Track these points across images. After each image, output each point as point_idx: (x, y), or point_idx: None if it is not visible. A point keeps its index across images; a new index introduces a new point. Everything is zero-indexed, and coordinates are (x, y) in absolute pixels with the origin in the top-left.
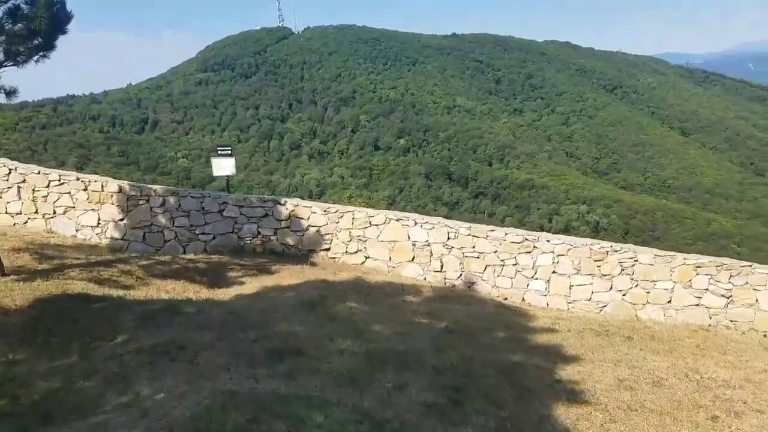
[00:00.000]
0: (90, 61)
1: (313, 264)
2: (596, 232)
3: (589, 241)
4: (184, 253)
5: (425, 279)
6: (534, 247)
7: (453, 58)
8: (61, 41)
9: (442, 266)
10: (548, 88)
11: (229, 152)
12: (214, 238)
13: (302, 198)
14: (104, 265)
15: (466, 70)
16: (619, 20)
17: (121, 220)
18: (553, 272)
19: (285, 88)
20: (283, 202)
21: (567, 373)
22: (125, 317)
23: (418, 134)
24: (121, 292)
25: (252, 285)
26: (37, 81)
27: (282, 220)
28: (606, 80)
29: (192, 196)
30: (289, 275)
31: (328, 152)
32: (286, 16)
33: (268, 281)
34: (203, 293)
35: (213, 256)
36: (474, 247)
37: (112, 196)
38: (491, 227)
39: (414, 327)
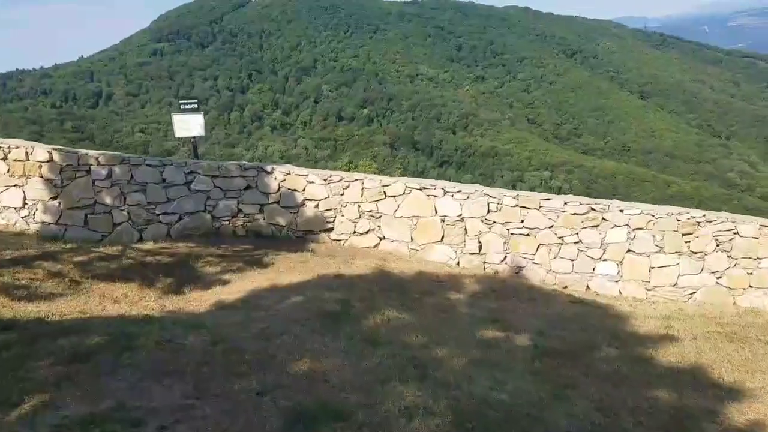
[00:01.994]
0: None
1: (313, 249)
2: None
3: (674, 209)
4: (141, 240)
5: (458, 264)
6: (603, 219)
7: (414, 25)
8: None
9: (480, 247)
10: (509, 54)
11: (196, 106)
12: (180, 219)
13: (294, 165)
14: (23, 264)
15: (428, 36)
16: None
17: (54, 198)
18: (628, 251)
19: (244, 58)
20: (270, 170)
21: (746, 420)
22: (41, 361)
23: (381, 104)
24: (41, 310)
25: (238, 285)
26: None
27: (270, 194)
28: (566, 45)
29: (148, 165)
30: (287, 268)
31: (291, 123)
32: None
33: (259, 278)
34: (168, 303)
35: (179, 244)
36: (523, 221)
37: (40, 167)
38: (545, 195)
39: (491, 348)
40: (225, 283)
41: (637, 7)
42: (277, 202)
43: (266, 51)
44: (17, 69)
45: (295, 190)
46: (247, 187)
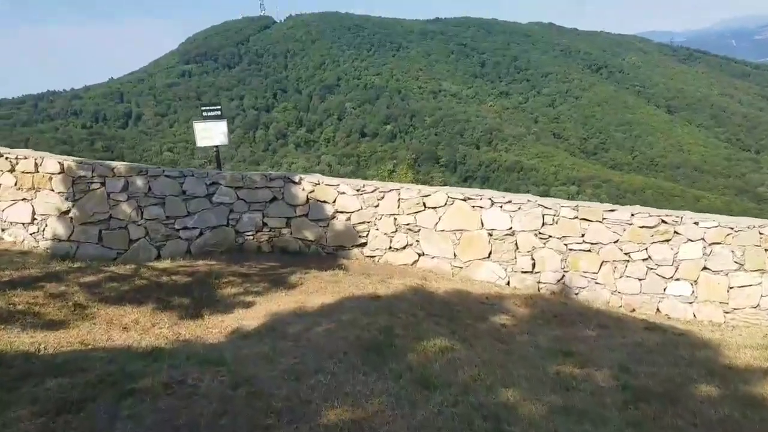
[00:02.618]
0: (70, 55)
1: (345, 267)
2: None
3: (756, 221)
4: (159, 257)
5: (508, 283)
6: (675, 233)
7: (437, 43)
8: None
9: (533, 265)
10: (533, 69)
11: (219, 113)
12: (201, 234)
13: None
14: (23, 286)
15: (451, 53)
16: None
17: (66, 212)
18: (704, 268)
19: (269, 77)
20: (297, 180)
21: None
22: (21, 409)
23: (404, 120)
24: (35, 341)
25: (262, 308)
26: (16, 79)
27: (297, 206)
28: (590, 60)
29: (168, 176)
30: (317, 288)
31: (314, 141)
32: (268, 5)
33: (286, 300)
34: (184, 330)
35: (199, 262)
36: (583, 235)
37: (51, 179)
38: (609, 206)
39: (571, 391)
40: (248, 305)
41: (662, 22)
42: (306, 215)
43: (291, 70)
44: (48, 90)
45: (324, 201)
46: (273, 199)
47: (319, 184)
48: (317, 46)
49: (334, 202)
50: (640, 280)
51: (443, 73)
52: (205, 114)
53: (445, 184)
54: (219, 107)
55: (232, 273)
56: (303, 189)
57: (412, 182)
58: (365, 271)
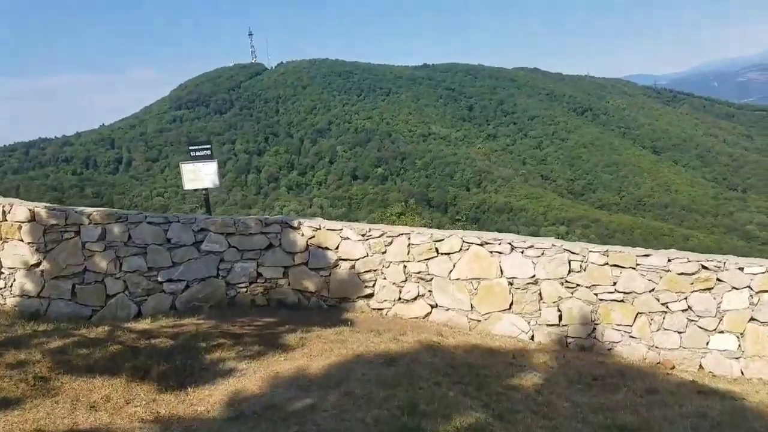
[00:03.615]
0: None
1: (350, 322)
2: None
3: None
4: (139, 314)
5: (533, 338)
6: (717, 280)
7: (426, 87)
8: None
9: (560, 317)
10: (520, 113)
11: (209, 153)
12: (187, 287)
13: (325, 219)
14: None
15: (439, 98)
16: (585, 45)
17: (36, 265)
18: (751, 320)
19: (260, 122)
20: (296, 225)
21: None
22: None
23: (395, 162)
24: None
25: (257, 377)
26: (5, 127)
27: (296, 253)
28: (576, 103)
29: (150, 222)
30: (320, 350)
31: (306, 184)
32: (259, 53)
33: (285, 366)
34: (163, 407)
35: (185, 320)
36: (615, 284)
37: (20, 227)
38: (643, 251)
39: None
40: (241, 373)
41: (646, 66)
42: (305, 264)
43: (282, 115)
44: (39, 138)
45: (326, 248)
46: (269, 246)
47: (320, 228)
48: (308, 91)
49: (337, 248)
50: (679, 333)
51: (432, 116)
52: (193, 154)
53: (437, 227)
54: (209, 146)
55: (222, 333)
56: (302, 234)
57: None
58: (373, 327)
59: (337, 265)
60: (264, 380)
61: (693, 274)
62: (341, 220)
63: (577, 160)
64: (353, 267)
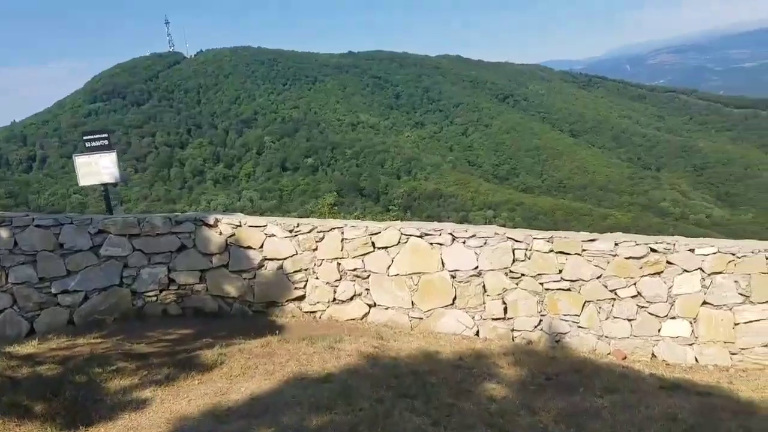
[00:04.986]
0: None
1: (280, 329)
2: None
3: (761, 244)
4: (32, 332)
5: (478, 333)
6: (667, 263)
7: (352, 76)
8: None
9: (506, 310)
10: (445, 100)
11: (106, 142)
12: (86, 298)
13: (246, 214)
14: None
15: (366, 86)
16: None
17: None
18: (704, 303)
19: (181, 113)
20: (212, 222)
21: None
22: None
23: (325, 152)
24: None
25: (163, 410)
26: None
27: (213, 254)
28: (497, 90)
29: (39, 225)
30: (243, 368)
31: (234, 176)
32: (177, 41)
33: (199, 393)
34: None
35: (79, 341)
36: (561, 272)
37: None
38: (588, 235)
39: None
40: (144, 405)
41: (561, 52)
42: (225, 265)
43: (204, 105)
44: None
45: (249, 247)
46: (181, 248)
47: (240, 225)
48: (231, 80)
49: (261, 247)
50: (630, 321)
51: (360, 105)
52: (88, 144)
53: (371, 216)
54: (106, 135)
55: (124, 354)
56: (220, 233)
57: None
58: (306, 334)
59: (263, 266)
60: (171, 414)
61: (641, 257)
62: (273, 213)
63: (501, 146)
64: (281, 267)
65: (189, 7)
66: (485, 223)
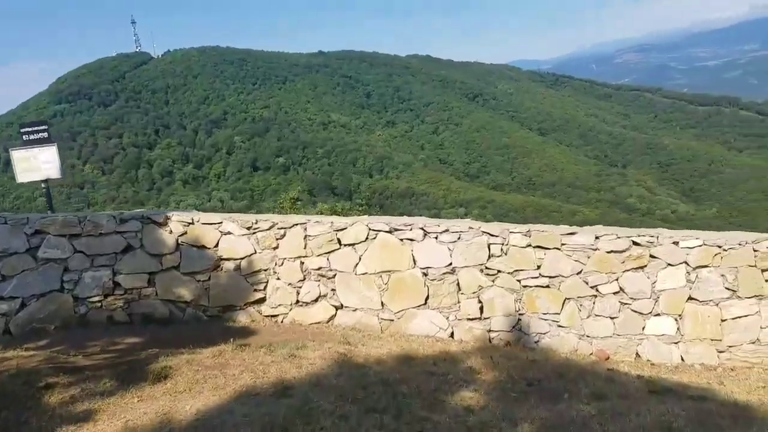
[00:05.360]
0: None
1: (236, 336)
2: None
3: (748, 236)
4: None
5: (452, 335)
6: (651, 257)
7: (322, 75)
8: None
9: (482, 309)
10: (416, 99)
11: (46, 135)
12: (23, 306)
13: (200, 211)
14: None
15: (337, 85)
16: (472, 32)
17: None
18: (689, 299)
19: (149, 114)
20: (161, 220)
21: None
22: None
23: (296, 152)
24: None
25: (103, 430)
26: None
27: (164, 255)
28: (467, 89)
29: None
30: (190, 381)
31: (204, 177)
32: (144, 42)
33: (137, 410)
34: None
35: (8, 353)
36: (539, 267)
37: None
38: (567, 228)
39: None
40: (75, 428)
41: (529, 51)
42: (176, 267)
43: (173, 106)
44: None
45: (202, 246)
46: (128, 248)
47: (192, 223)
48: (200, 80)
49: (217, 246)
50: (612, 318)
51: (331, 104)
52: (26, 138)
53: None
54: (45, 127)
55: (57, 368)
56: (170, 231)
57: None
58: (265, 341)
59: (218, 267)
60: None
61: (624, 251)
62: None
63: (471, 144)
64: (238, 267)
65: (156, 7)
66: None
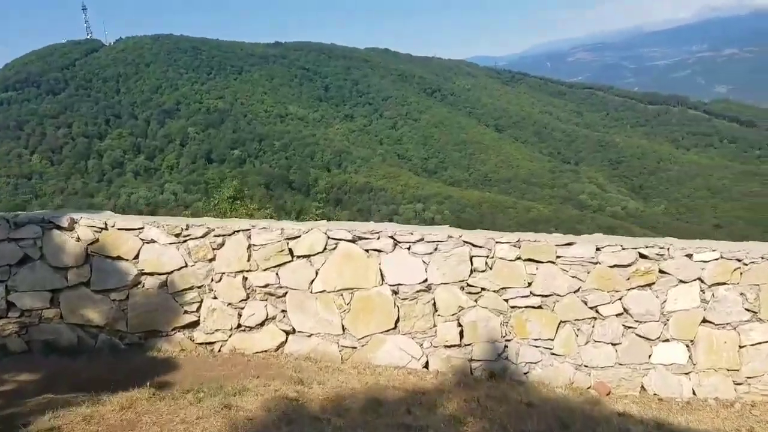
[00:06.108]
0: None
1: (161, 371)
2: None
3: None
4: None
5: (427, 365)
6: (660, 272)
7: (279, 66)
8: None
9: (461, 333)
10: (374, 93)
11: None
12: None
13: (116, 214)
14: None
15: (294, 77)
16: (430, 26)
17: None
18: (704, 322)
19: (99, 103)
20: (66, 224)
21: None
22: None
23: (252, 144)
24: None
25: None
26: None
27: (69, 268)
28: (425, 84)
29: None
30: None
31: (156, 168)
32: (95, 29)
33: None
34: None
35: None
36: (530, 284)
37: None
38: (562, 238)
39: None
40: None
41: (487, 48)
42: (86, 283)
43: (124, 95)
44: None
45: (119, 257)
46: (24, 260)
47: (106, 228)
48: (152, 69)
49: (137, 257)
50: (614, 345)
51: (288, 96)
52: None
53: (300, 210)
54: None
55: None
56: (78, 238)
57: (250, 217)
58: (196, 378)
59: (139, 283)
60: None
61: (629, 265)
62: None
63: (429, 140)
64: (165, 284)
65: None
66: (415, 217)
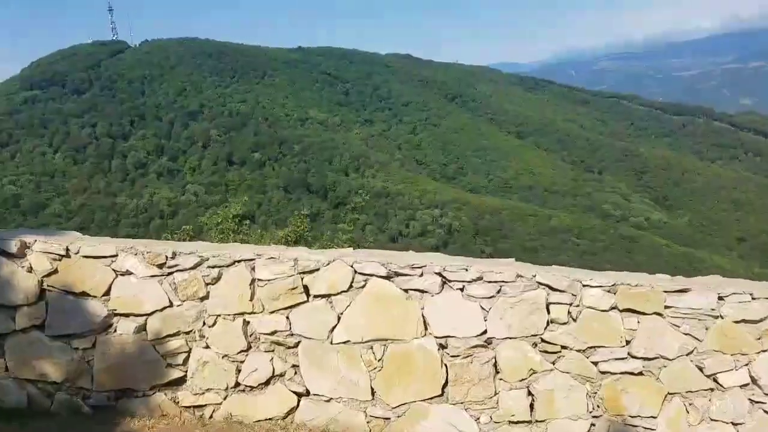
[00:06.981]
0: None
1: None
2: (449, 234)
3: None
4: None
5: None
6: None
7: (301, 71)
8: None
9: (532, 406)
10: (395, 98)
11: None
12: None
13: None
14: None
15: (316, 82)
16: (454, 33)
17: None
18: None
19: (124, 104)
20: (16, 249)
21: None
22: None
23: (273, 147)
24: None
25: None
26: None
27: (18, 307)
28: (447, 90)
29: None
30: None
31: (178, 169)
32: (120, 30)
33: None
34: None
35: None
36: (629, 343)
37: None
38: (676, 283)
39: None
40: None
41: (510, 54)
42: (39, 327)
43: (149, 97)
44: None
45: (83, 294)
46: None
47: (68, 255)
48: (177, 71)
49: (108, 293)
50: (735, 425)
51: (309, 101)
52: None
53: (318, 213)
54: None
55: None
56: (30, 268)
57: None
58: None
59: (110, 326)
60: None
61: (761, 321)
62: (217, 207)
63: (448, 145)
64: (143, 328)
65: None
66: (432, 221)
